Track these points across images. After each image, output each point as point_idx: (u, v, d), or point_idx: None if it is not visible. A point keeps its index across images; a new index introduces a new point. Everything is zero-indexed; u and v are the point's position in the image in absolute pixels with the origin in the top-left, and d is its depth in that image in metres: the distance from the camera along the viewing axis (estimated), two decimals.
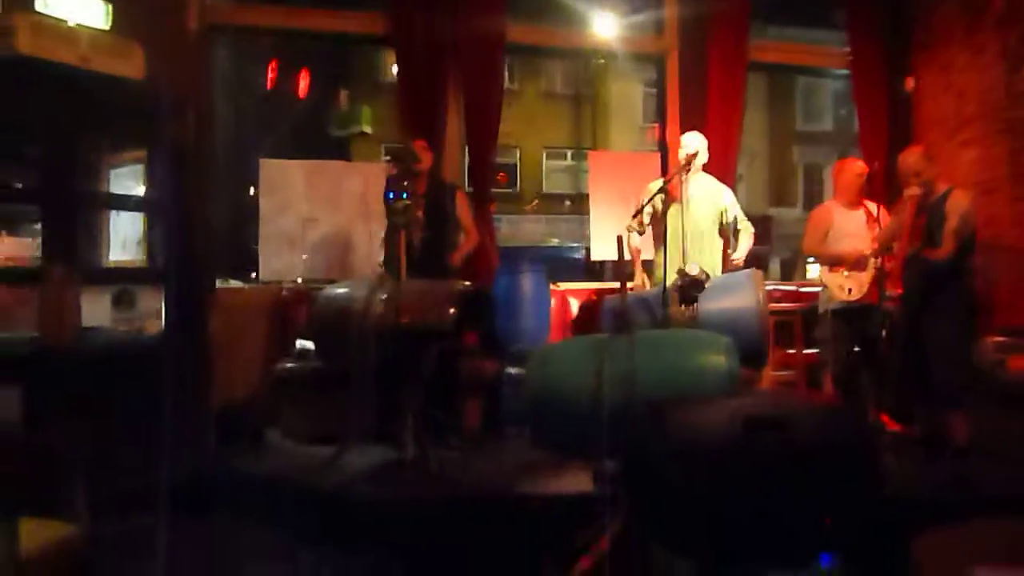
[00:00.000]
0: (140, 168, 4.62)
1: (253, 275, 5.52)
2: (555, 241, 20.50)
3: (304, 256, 5.25)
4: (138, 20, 4.20)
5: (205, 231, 4.77)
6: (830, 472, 1.91)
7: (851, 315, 4.44)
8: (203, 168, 4.72)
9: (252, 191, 6.05)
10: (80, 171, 4.11)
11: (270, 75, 7.41)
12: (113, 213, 4.80)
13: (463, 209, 4.55)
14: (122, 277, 4.52)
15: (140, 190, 4.56)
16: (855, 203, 4.62)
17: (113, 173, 4.69)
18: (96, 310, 4.09)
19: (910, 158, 4.08)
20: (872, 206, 4.60)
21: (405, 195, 3.77)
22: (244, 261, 5.91)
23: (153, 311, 4.27)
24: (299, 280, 5.26)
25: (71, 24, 3.82)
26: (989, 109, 5.39)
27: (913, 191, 4.01)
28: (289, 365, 4.55)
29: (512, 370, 4.34)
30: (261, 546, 3.17)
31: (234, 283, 5.40)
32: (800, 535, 1.92)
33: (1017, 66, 5.18)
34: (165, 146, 4.12)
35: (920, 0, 6.01)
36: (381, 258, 4.74)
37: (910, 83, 6.08)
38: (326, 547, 3.15)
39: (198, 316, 4.24)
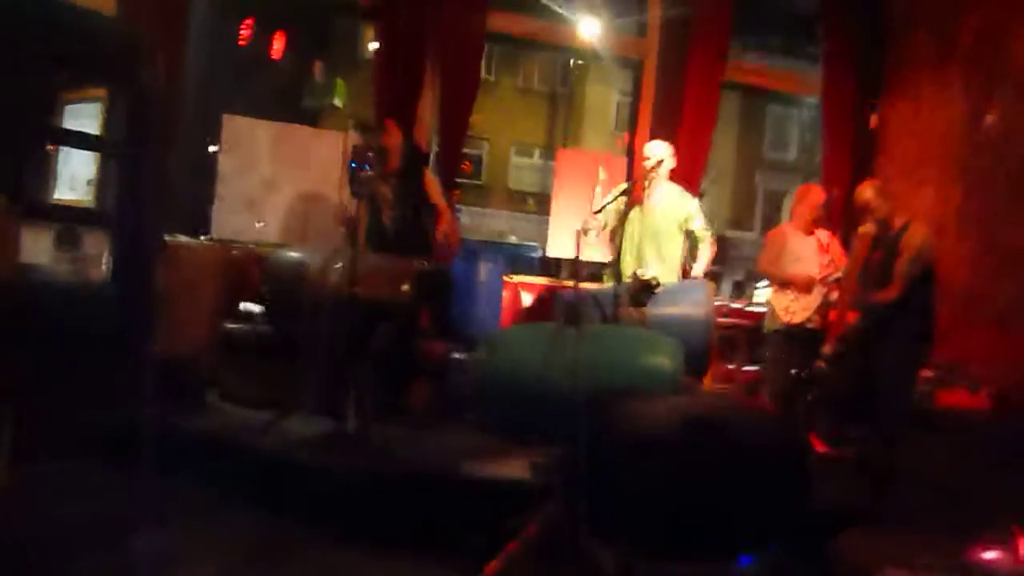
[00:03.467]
0: (98, 107, 4.46)
1: (202, 236, 5.38)
2: (513, 239, 20.52)
3: (259, 224, 5.16)
4: None
5: (161, 180, 4.64)
6: (763, 474, 1.96)
7: (794, 337, 4.55)
8: (167, 116, 4.59)
9: (212, 149, 5.89)
10: (35, 102, 3.95)
11: (243, 32, 7.26)
12: (64, 150, 4.64)
13: (433, 188, 4.51)
14: (68, 216, 4.37)
15: (95, 130, 4.40)
16: (809, 229, 4.73)
17: (68, 109, 4.53)
18: (37, 247, 3.95)
19: (865, 193, 4.12)
20: (823, 235, 4.72)
21: (368, 166, 3.73)
22: (194, 219, 5.76)
23: (97, 255, 4.14)
24: (253, 244, 5.16)
25: None
26: (948, 151, 5.54)
27: (868, 227, 4.08)
28: (234, 327, 4.46)
29: (460, 355, 4.34)
30: (189, 501, 3.11)
31: (181, 238, 5.27)
32: (726, 533, 1.97)
33: (980, 110, 5.33)
34: (130, 87, 3.98)
35: (893, 25, 6.14)
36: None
37: (874, 120, 6.24)
38: (257, 508, 3.11)
39: (145, 264, 4.11)
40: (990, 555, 2.05)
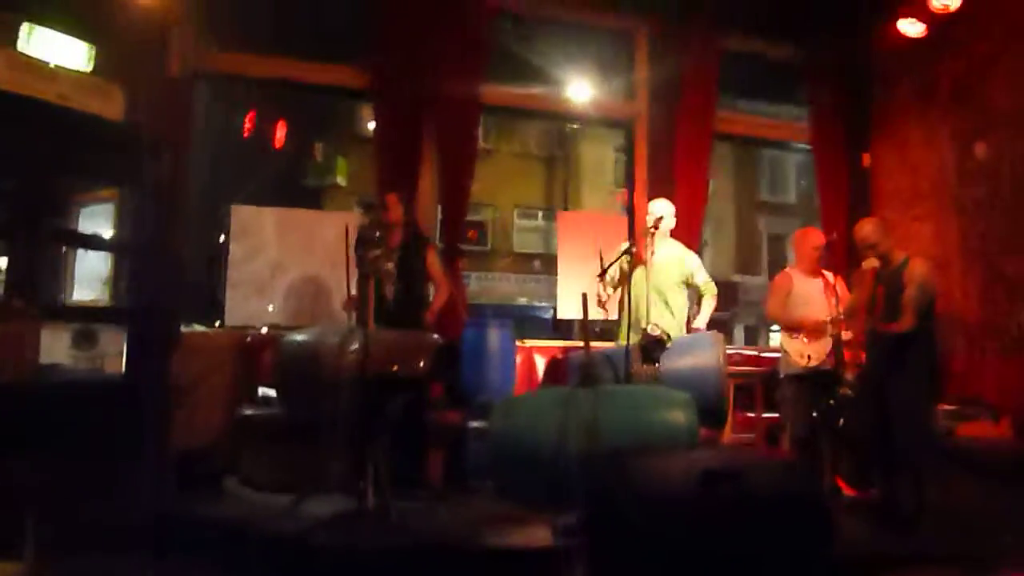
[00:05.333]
0: (110, 207, 4.61)
1: (216, 323, 5.47)
2: (523, 300, 20.63)
3: (271, 307, 5.25)
4: (120, 62, 4.25)
5: (174, 274, 4.75)
6: (784, 524, 1.95)
7: (810, 380, 4.54)
8: (176, 211, 4.73)
9: (222, 238, 6.04)
10: (50, 207, 4.10)
11: (247, 124, 7.50)
12: (80, 251, 4.77)
13: (433, 262, 4.60)
14: (84, 315, 4.47)
15: (109, 230, 4.54)
16: (814, 271, 4.77)
17: (83, 211, 4.68)
18: (56, 347, 4.04)
19: (864, 229, 4.25)
20: (829, 275, 4.76)
21: (375, 245, 3.81)
22: (208, 307, 5.87)
23: (114, 351, 4.22)
24: (265, 328, 5.23)
25: (52, 65, 3.86)
26: (941, 187, 5.63)
27: (871, 263, 4.17)
28: (250, 412, 4.49)
29: (475, 423, 4.35)
30: None
31: (198, 328, 5.35)
32: None
33: (966, 146, 5.44)
34: (139, 187, 4.13)
35: (878, 80, 6.31)
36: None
37: (867, 159, 6.34)
38: None
39: (161, 357, 4.18)
40: None
